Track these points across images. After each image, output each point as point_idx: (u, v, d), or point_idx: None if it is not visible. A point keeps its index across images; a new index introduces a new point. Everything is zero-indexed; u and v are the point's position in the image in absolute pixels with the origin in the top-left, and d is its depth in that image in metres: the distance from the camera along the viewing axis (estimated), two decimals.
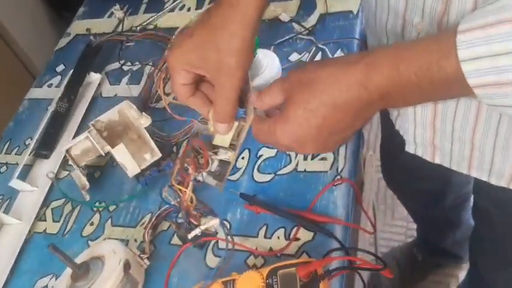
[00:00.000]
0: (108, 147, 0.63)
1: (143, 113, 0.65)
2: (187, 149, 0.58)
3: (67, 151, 0.63)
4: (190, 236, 0.54)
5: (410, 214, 1.19)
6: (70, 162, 0.64)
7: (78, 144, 0.63)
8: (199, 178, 0.59)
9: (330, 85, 0.39)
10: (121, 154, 0.62)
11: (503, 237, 0.71)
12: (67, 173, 0.73)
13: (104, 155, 0.64)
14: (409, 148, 0.58)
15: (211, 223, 0.54)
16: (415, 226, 1.31)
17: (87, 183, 0.64)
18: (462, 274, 1.21)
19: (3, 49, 1.38)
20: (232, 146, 0.59)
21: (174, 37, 0.78)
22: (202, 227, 0.54)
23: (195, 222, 0.55)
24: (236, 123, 0.52)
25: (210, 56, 0.44)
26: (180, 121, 0.63)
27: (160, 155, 0.64)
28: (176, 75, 0.46)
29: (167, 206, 0.61)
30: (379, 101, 0.39)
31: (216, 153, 0.59)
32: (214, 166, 0.59)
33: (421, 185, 0.92)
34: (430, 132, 0.53)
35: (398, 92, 0.37)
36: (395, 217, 1.43)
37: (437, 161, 0.57)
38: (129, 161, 0.63)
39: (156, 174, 0.65)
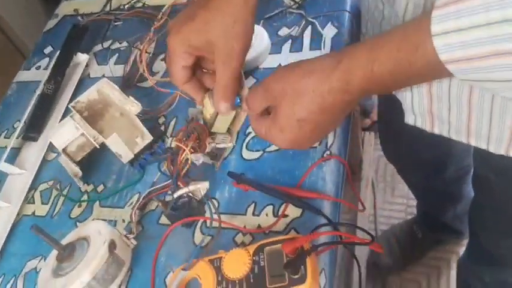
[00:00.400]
0: (101, 138, 0.61)
1: (131, 97, 0.63)
2: (184, 129, 0.57)
3: (63, 150, 0.62)
4: (175, 194, 0.54)
5: (411, 188, 1.18)
6: (64, 157, 0.63)
7: (74, 140, 0.62)
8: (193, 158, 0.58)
9: (315, 95, 0.43)
10: (115, 143, 0.61)
11: (504, 205, 0.70)
12: (55, 155, 0.72)
13: (98, 147, 0.63)
14: (408, 119, 0.57)
15: (200, 186, 0.54)
16: (415, 203, 1.31)
17: (80, 171, 0.63)
18: (462, 250, 1.20)
19: None
20: (229, 131, 0.59)
21: (170, 21, 0.76)
22: (191, 187, 0.54)
23: (182, 186, 0.54)
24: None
25: (214, 40, 0.46)
26: (163, 96, 0.63)
27: (151, 137, 0.64)
28: (177, 58, 0.48)
29: (155, 188, 0.61)
30: (362, 94, 0.42)
31: (213, 139, 0.58)
32: (210, 148, 0.59)
33: (421, 156, 0.91)
34: (427, 100, 0.52)
35: (377, 87, 0.41)
36: (395, 195, 1.43)
37: (436, 130, 0.56)
38: (123, 148, 0.62)
39: (150, 158, 0.64)
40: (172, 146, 0.61)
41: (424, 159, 0.93)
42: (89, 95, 0.65)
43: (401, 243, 1.26)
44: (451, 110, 0.51)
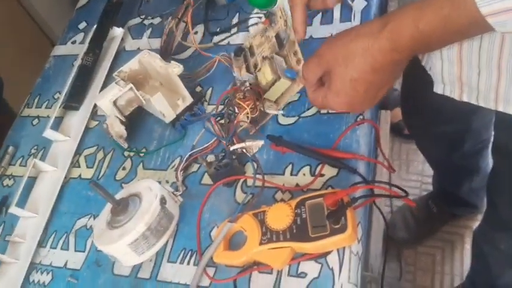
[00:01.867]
0: (148, 96, 0.65)
1: (172, 61, 0.67)
2: (242, 90, 0.62)
3: (114, 103, 0.65)
4: (232, 147, 0.59)
5: (429, 161, 1.21)
6: (109, 112, 0.66)
7: (123, 95, 0.66)
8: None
9: (365, 56, 0.46)
10: (159, 102, 0.65)
11: None
12: (96, 123, 0.76)
13: (144, 103, 0.67)
14: (437, 88, 0.60)
15: (256, 143, 0.59)
16: (429, 180, 1.34)
17: (125, 131, 0.67)
18: (476, 225, 1.24)
19: (21, 14, 1.40)
20: (277, 101, 0.64)
21: None
22: (248, 143, 0.58)
23: (235, 142, 0.59)
24: (287, 83, 0.60)
25: None
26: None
27: (192, 99, 0.67)
28: (299, 13, 0.56)
29: (196, 150, 0.65)
30: (411, 54, 0.45)
31: (262, 104, 0.63)
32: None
33: (441, 128, 0.94)
34: (458, 67, 0.55)
35: (425, 46, 0.44)
36: (410, 171, 1.46)
37: (464, 98, 0.59)
38: (167, 108, 0.66)
39: (190, 119, 0.68)
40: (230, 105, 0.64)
41: (444, 132, 0.96)
42: (131, 65, 0.68)
43: (417, 218, 1.29)
44: (481, 75, 0.54)
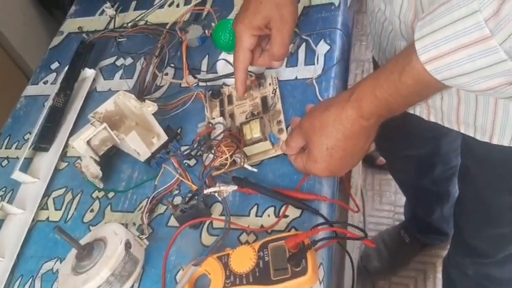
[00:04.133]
0: (122, 135, 0.66)
1: (147, 100, 0.68)
2: (229, 135, 0.64)
3: (88, 143, 0.66)
4: (206, 191, 0.60)
5: (400, 185, 1.23)
6: (84, 153, 0.67)
7: (97, 134, 0.67)
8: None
9: (337, 125, 0.51)
10: (133, 141, 0.66)
11: (484, 194, 0.75)
12: (66, 164, 0.76)
13: (119, 142, 0.68)
14: (409, 109, 0.64)
15: (229, 188, 0.60)
16: (402, 210, 1.37)
17: (100, 172, 0.67)
18: None
19: None
20: (249, 157, 0.66)
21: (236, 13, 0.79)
22: (222, 188, 0.60)
23: (208, 184, 0.61)
24: (269, 146, 0.64)
25: (269, 14, 0.59)
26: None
27: (166, 137, 0.69)
28: (244, 42, 0.61)
29: (161, 189, 0.67)
30: (377, 119, 0.50)
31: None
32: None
33: (411, 151, 0.97)
34: None
35: (388, 110, 0.48)
36: (383, 202, 1.49)
37: (432, 119, 0.63)
38: (141, 146, 0.67)
39: (165, 156, 0.69)
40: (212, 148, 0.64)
41: (414, 156, 0.98)
42: (106, 106, 0.69)
43: (390, 248, 1.32)
44: (443, 99, 0.58)
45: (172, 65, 0.82)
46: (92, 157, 0.66)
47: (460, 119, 0.58)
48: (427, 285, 1.32)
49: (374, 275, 1.32)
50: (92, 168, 0.68)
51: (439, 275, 1.28)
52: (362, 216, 1.44)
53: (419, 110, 0.63)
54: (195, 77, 0.78)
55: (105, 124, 0.66)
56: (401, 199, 1.42)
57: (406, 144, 0.95)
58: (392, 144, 1.01)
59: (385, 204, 1.48)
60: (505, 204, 0.73)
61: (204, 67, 0.80)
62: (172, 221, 0.64)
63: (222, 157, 0.62)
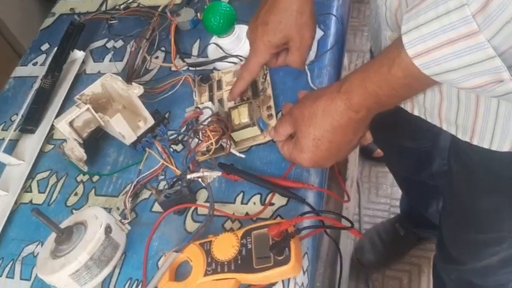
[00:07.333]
0: (106, 117, 0.64)
1: (133, 82, 0.66)
2: (216, 120, 0.62)
3: (70, 124, 0.64)
4: (188, 176, 0.59)
5: (397, 180, 1.21)
6: (67, 135, 0.65)
7: (80, 116, 0.65)
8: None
9: (326, 116, 0.50)
10: (119, 123, 0.64)
11: (460, 195, 0.74)
12: (52, 146, 0.75)
13: (103, 124, 0.66)
14: None
15: (213, 174, 0.59)
16: (398, 203, 1.35)
17: (85, 155, 0.66)
18: None
19: None
20: (237, 143, 0.65)
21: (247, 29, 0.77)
22: (205, 173, 0.59)
23: (192, 169, 0.60)
24: (257, 131, 0.63)
25: (289, 34, 0.59)
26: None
27: (153, 121, 0.67)
28: (260, 57, 0.61)
29: (145, 174, 0.65)
30: (367, 113, 0.49)
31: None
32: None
33: (409, 143, 0.94)
34: None
35: (378, 104, 0.47)
36: (380, 195, 1.47)
37: (415, 113, 0.61)
38: (126, 129, 0.65)
39: (151, 140, 0.68)
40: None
41: (412, 148, 0.96)
42: (93, 88, 0.68)
43: (384, 241, 1.30)
44: (426, 96, 0.57)
45: (163, 48, 0.81)
46: (75, 139, 0.65)
47: (442, 116, 0.57)
48: (421, 279, 1.30)
49: (368, 267, 1.31)
50: (76, 151, 0.66)
51: None
52: (357, 209, 1.43)
53: (403, 104, 0.62)
54: (184, 61, 0.76)
55: (88, 105, 0.64)
56: (398, 192, 1.40)
57: (405, 135, 0.93)
58: (390, 134, 0.99)
59: (381, 197, 1.47)
60: (482, 209, 0.70)
61: (195, 51, 0.79)
62: (157, 207, 0.63)
63: (207, 142, 0.60)
